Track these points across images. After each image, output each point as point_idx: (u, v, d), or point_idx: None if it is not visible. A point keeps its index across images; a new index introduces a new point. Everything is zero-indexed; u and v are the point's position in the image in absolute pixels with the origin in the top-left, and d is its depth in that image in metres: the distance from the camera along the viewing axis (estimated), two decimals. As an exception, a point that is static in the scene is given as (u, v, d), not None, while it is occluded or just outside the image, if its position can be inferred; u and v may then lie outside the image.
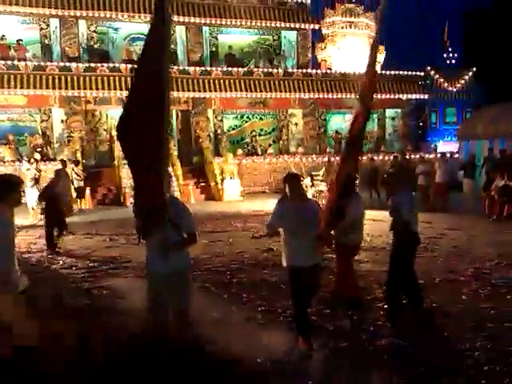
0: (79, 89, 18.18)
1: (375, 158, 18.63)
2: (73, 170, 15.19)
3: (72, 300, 6.43)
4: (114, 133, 19.50)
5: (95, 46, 20.08)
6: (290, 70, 21.23)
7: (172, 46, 20.75)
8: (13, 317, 3.83)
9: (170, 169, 18.35)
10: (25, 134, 18.93)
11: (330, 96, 21.02)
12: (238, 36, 22.06)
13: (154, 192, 3.97)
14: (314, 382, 4.22)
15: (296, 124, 21.74)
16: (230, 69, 20.23)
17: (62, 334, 4.82)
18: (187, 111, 20.35)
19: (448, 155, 19.14)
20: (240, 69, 20.32)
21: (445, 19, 28.42)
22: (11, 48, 18.61)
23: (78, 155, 17.61)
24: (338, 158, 5.63)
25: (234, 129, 21.66)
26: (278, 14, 21.47)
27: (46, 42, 19.58)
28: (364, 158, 19.34)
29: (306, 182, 15.87)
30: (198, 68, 19.98)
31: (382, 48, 23.72)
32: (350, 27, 23.17)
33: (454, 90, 23.85)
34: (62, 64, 18.33)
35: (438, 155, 18.34)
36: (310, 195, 15.12)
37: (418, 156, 20.70)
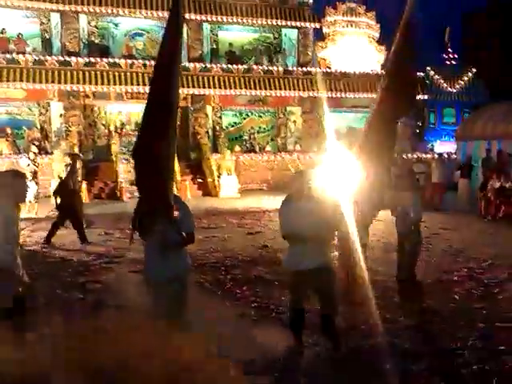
0: (78, 83, 18.16)
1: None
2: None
3: (66, 294, 6.44)
4: (112, 128, 19.59)
5: (95, 41, 20.07)
6: (290, 69, 21.22)
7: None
8: None
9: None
10: (23, 127, 18.91)
11: (329, 95, 21.01)
12: (238, 33, 22.04)
13: (161, 191, 3.99)
14: (305, 379, 4.24)
15: (295, 122, 21.74)
16: (229, 66, 20.21)
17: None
18: (186, 107, 20.34)
19: (445, 156, 19.22)
20: (240, 66, 20.31)
21: (445, 19, 28.43)
22: (10, 41, 18.58)
23: (76, 149, 17.60)
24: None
25: (232, 126, 21.66)
26: (279, 12, 21.44)
27: (47, 36, 19.55)
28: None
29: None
30: (197, 64, 19.97)
31: (382, 48, 23.71)
32: (351, 26, 23.14)
33: (454, 90, 23.85)
34: (61, 58, 18.30)
35: (435, 155, 18.36)
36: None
37: (414, 156, 20.72)
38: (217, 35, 21.56)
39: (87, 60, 18.47)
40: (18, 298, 4.46)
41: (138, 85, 18.65)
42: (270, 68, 20.80)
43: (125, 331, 3.92)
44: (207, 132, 20.28)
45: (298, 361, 4.60)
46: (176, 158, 18.43)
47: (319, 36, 23.63)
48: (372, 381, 4.20)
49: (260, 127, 21.98)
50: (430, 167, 14.90)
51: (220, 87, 19.83)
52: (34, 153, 16.25)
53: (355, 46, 23.18)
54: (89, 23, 19.91)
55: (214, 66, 20.18)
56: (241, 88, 19.97)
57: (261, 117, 21.98)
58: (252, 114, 21.76)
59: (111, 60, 18.80)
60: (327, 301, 4.61)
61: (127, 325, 4.29)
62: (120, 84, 18.46)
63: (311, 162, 19.28)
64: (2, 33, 18.58)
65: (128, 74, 18.66)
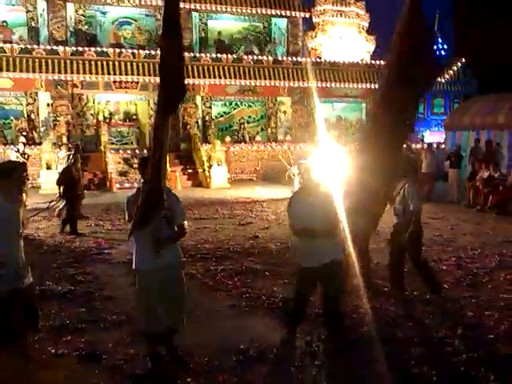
0: (66, 73, 17.93)
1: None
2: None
3: (56, 285, 6.41)
4: (101, 118, 19.42)
5: (83, 30, 19.82)
6: (279, 58, 21.12)
7: (160, 32, 20.54)
8: None
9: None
10: (10, 117, 18.68)
11: (319, 85, 20.96)
12: (227, 22, 21.88)
13: (154, 183, 3.89)
14: (296, 368, 4.27)
15: (285, 112, 21.70)
16: (219, 55, 20.07)
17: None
18: (175, 97, 20.17)
19: (435, 145, 19.28)
20: (229, 55, 20.18)
21: (435, 9, 28.40)
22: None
23: (64, 139, 17.44)
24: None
25: (222, 116, 21.56)
26: (269, 0, 21.30)
27: (33, 24, 19.25)
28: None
29: (293, 170, 15.94)
30: (186, 54, 19.79)
31: (372, 38, 23.69)
32: (341, 16, 23.07)
33: (443, 80, 23.89)
34: (49, 47, 18.04)
35: (425, 145, 18.43)
36: (296, 184, 15.19)
37: (404, 146, 20.77)
38: (206, 24, 21.39)
39: (75, 49, 18.24)
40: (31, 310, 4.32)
41: (127, 74, 18.47)
42: (260, 57, 20.69)
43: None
44: (197, 122, 20.18)
45: (291, 351, 4.62)
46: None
47: (309, 25, 23.56)
48: (364, 369, 4.23)
49: (250, 117, 21.90)
50: (420, 157, 14.96)
51: (209, 77, 19.69)
52: (23, 143, 16.13)
53: (345, 36, 23.14)
54: (76, 11, 19.64)
55: (203, 55, 20.02)
56: (230, 77, 19.85)
57: (251, 106, 21.90)
58: (242, 103, 21.66)
59: (99, 49, 18.57)
60: (334, 294, 4.59)
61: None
62: (108, 73, 18.25)
63: (302, 152, 19.27)
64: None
65: (116, 63, 18.47)
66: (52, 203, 9.83)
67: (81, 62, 18.11)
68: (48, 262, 7.63)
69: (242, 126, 21.54)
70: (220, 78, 19.74)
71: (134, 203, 4.06)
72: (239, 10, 20.85)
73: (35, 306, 4.09)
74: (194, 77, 19.49)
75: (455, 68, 24.65)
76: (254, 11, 21.09)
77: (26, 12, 19.15)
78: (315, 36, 23.30)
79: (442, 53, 27.10)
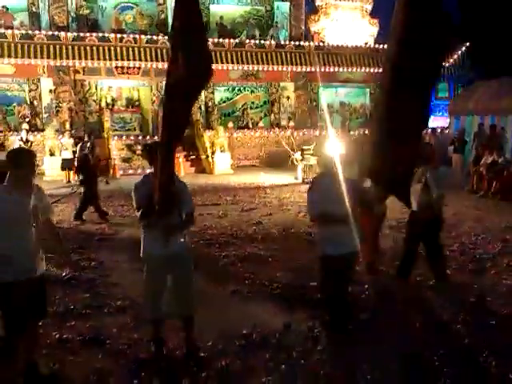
0: (68, 58, 17.81)
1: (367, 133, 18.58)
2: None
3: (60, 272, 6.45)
4: (104, 104, 19.37)
5: (84, 15, 19.65)
6: (282, 43, 20.94)
7: (162, 16, 20.39)
8: None
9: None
10: (13, 103, 18.64)
11: (322, 69, 20.80)
12: (229, 6, 21.63)
13: (166, 172, 3.83)
14: (297, 354, 4.30)
15: (288, 97, 21.56)
16: (221, 40, 19.91)
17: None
18: (178, 83, 20.06)
19: (439, 130, 19.19)
20: (232, 40, 20.00)
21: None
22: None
23: (67, 126, 17.41)
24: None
25: (225, 101, 21.44)
26: (271, -17, 21.08)
27: (34, 9, 19.07)
28: (356, 133, 19.42)
29: (297, 156, 15.91)
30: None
31: (376, 21, 23.44)
32: (344, -1, 22.82)
33: (447, 64, 23.64)
34: (50, 33, 17.92)
35: (429, 130, 18.33)
36: (299, 170, 15.17)
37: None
38: (208, 8, 21.16)
39: (76, 34, 18.11)
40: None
41: (129, 60, 18.35)
42: (263, 42, 20.50)
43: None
44: (199, 108, 20.09)
45: (293, 336, 4.66)
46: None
47: (311, 9, 23.31)
48: (366, 355, 4.26)
49: (253, 103, 21.77)
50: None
51: (212, 62, 19.48)
52: (26, 130, 16.14)
53: (348, 19, 22.89)
54: (77, -4, 19.48)
55: (205, 40, 19.83)
56: (233, 62, 19.69)
57: (253, 92, 21.76)
58: (245, 89, 21.52)
59: (100, 34, 18.44)
60: (347, 282, 4.59)
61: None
62: (110, 59, 18.13)
63: (305, 137, 19.23)
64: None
65: (118, 48, 18.33)
66: (74, 190, 9.86)
67: (82, 47, 17.98)
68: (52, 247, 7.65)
69: (244, 112, 21.45)
70: (222, 63, 19.59)
71: (143, 190, 4.03)
72: (241, -6, 20.61)
73: (45, 295, 3.99)
74: (196, 62, 19.32)
75: (459, 52, 24.39)
76: (256, -6, 20.85)
77: (27, -4, 19.01)
78: (318, 19, 23.06)
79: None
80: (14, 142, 15.47)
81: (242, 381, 3.91)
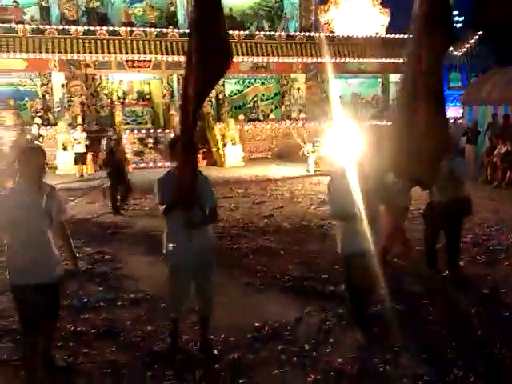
0: (78, 52, 17.90)
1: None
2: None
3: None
4: (115, 98, 19.44)
5: (94, 9, 19.69)
6: (292, 34, 20.81)
7: (172, 9, 20.37)
8: None
9: (172, 135, 18.30)
10: (25, 98, 18.79)
11: (333, 60, 20.65)
12: (239, -3, 21.57)
13: (189, 166, 3.83)
14: (309, 346, 4.31)
15: (298, 89, 21.46)
16: (231, 32, 19.82)
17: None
18: (188, 76, 20.07)
19: (451, 121, 18.97)
20: (241, 32, 19.93)
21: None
22: (8, 10, 18.26)
23: (79, 120, 17.52)
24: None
25: (235, 94, 21.43)
26: (281, -26, 20.94)
27: (44, 4, 19.19)
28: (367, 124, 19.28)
29: (308, 147, 15.87)
30: (197, 31, 19.56)
31: (387, 10, 23.17)
32: (354, -11, 22.59)
33: (459, 53, 23.37)
34: (60, 27, 18.00)
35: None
36: (311, 161, 15.13)
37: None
38: (218, 0, 21.08)
39: (86, 28, 18.18)
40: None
41: (139, 53, 18.39)
42: (273, 33, 20.40)
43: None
44: (210, 101, 20.07)
45: (305, 328, 4.67)
46: (179, 128, 18.42)
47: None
48: (378, 348, 4.26)
49: (264, 95, 21.73)
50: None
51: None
52: (37, 124, 16.26)
53: (358, 9, 22.65)
54: (87, -10, 19.54)
55: (215, 32, 19.78)
56: (243, 54, 19.63)
57: (264, 84, 21.71)
58: (255, 81, 21.48)
59: (111, 28, 18.49)
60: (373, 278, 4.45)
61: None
62: (120, 52, 18.19)
63: (316, 129, 19.14)
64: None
65: (128, 41, 18.38)
66: (102, 182, 10.18)
67: (93, 41, 18.06)
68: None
69: (255, 104, 21.42)
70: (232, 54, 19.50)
71: (167, 186, 3.95)
72: (250, -15, 20.50)
73: (58, 298, 3.95)
74: (206, 54, 19.31)
75: (472, 41, 24.08)
76: (265, -15, 20.74)
77: (37, -9, 19.10)
78: (328, 10, 22.85)
79: (459, 25, 26.40)
80: (29, 133, 15.56)
81: (254, 373, 3.92)
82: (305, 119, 20.54)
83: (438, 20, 3.68)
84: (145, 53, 18.40)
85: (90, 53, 17.98)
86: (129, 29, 18.40)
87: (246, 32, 20.13)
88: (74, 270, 4.10)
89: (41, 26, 17.85)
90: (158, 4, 20.68)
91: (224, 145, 17.77)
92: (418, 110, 3.80)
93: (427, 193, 5.92)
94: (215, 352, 4.19)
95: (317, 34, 20.96)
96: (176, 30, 18.98)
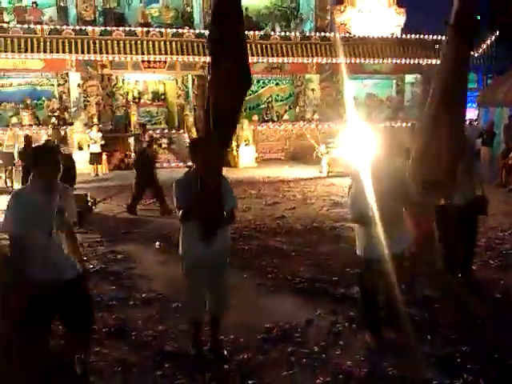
0: (95, 53, 18.09)
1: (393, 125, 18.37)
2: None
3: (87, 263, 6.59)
4: (130, 98, 19.60)
5: (111, 9, 19.87)
6: (307, 34, 20.77)
7: (188, 9, 20.46)
8: None
9: (186, 135, 18.41)
10: (42, 98, 19.05)
11: (348, 61, 20.56)
12: (254, -2, 21.57)
13: (214, 168, 3.85)
14: (319, 348, 4.33)
15: (313, 90, 21.40)
16: (246, 32, 19.82)
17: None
18: (203, 76, 20.15)
19: (467, 122, 18.76)
20: (256, 32, 19.94)
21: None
22: (27, 11, 18.54)
23: (95, 120, 17.70)
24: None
25: (250, 94, 21.40)
26: (296, -26, 20.90)
27: (62, 4, 19.42)
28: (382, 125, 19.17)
29: (321, 149, 15.85)
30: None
31: (402, 11, 23.00)
32: (370, -11, 22.46)
33: (476, 54, 23.09)
34: (78, 28, 18.21)
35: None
36: (324, 163, 15.10)
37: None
38: (233, 0, 21.12)
39: (103, 29, 18.35)
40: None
41: (155, 54, 18.51)
42: (288, 34, 20.37)
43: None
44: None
45: (315, 330, 4.68)
46: (194, 129, 18.51)
47: (337, -1, 23.04)
48: (388, 352, 4.25)
49: (278, 95, 21.71)
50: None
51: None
52: (53, 123, 16.48)
53: (374, 9, 22.52)
54: (104, -10, 19.73)
55: (230, 32, 19.82)
56: (258, 55, 19.63)
57: (278, 85, 21.69)
58: (269, 82, 21.47)
59: (127, 28, 18.64)
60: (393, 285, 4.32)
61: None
62: (136, 53, 18.35)
63: (330, 130, 19.08)
64: (18, 2, 18.47)
65: (144, 42, 18.52)
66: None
67: (109, 41, 18.23)
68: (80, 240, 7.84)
69: (269, 105, 21.40)
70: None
71: (185, 188, 3.93)
72: (266, -15, 20.49)
73: (89, 303, 3.73)
74: (221, 55, 19.36)
75: (488, 42, 23.78)
76: (281, -15, 20.70)
77: (55, -8, 19.33)
78: (344, 10, 22.75)
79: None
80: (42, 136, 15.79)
81: (264, 374, 3.95)
82: (319, 120, 20.48)
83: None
84: (160, 53, 18.52)
85: (107, 53, 18.15)
86: (145, 29, 18.54)
87: (262, 32, 20.12)
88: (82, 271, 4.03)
89: (58, 27, 18.07)
90: (174, 4, 20.79)
91: (237, 145, 17.80)
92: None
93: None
94: (225, 352, 4.21)
95: (332, 35, 20.88)
96: (192, 31, 19.07)
